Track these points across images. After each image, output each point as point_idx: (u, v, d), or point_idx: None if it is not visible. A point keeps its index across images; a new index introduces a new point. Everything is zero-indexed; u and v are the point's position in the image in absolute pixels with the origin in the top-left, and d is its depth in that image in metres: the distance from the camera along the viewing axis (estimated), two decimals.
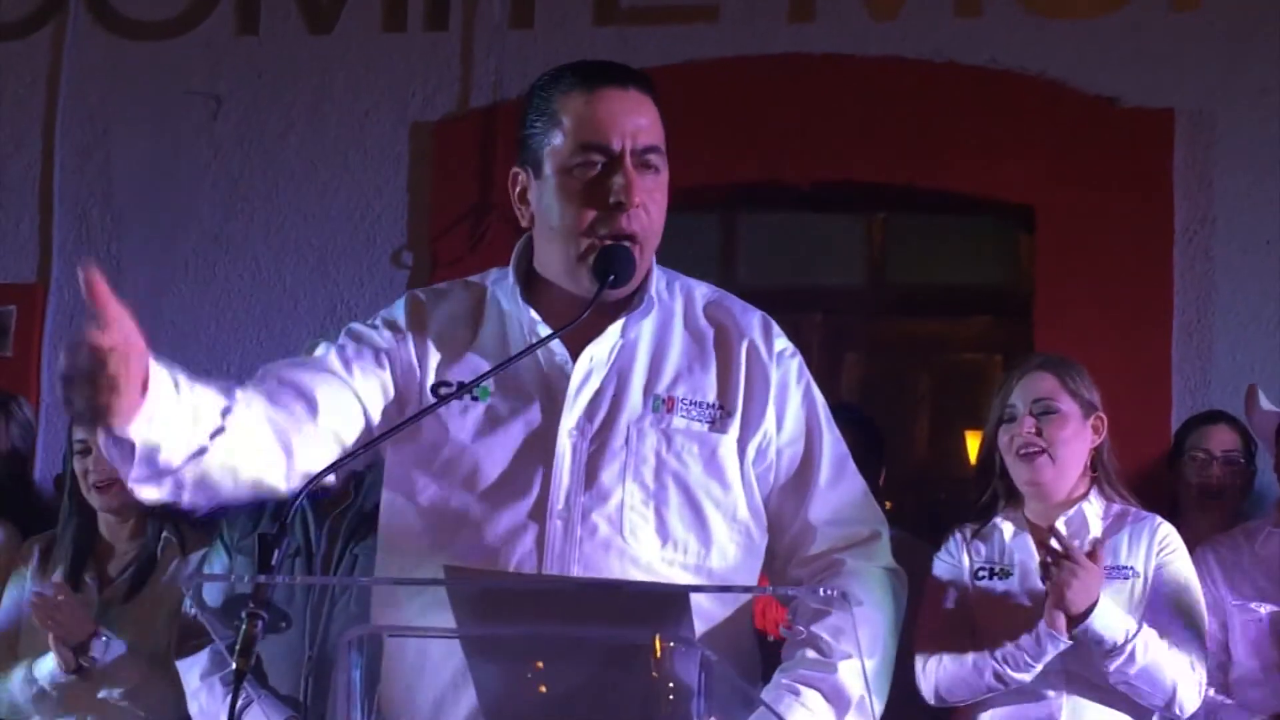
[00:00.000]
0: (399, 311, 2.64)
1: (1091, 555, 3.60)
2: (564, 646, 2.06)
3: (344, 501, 4.01)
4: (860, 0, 5.96)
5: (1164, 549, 3.83)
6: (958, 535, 3.97)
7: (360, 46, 6.28)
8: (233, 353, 6.18)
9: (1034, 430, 3.83)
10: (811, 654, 2.42)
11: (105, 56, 6.43)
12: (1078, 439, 3.87)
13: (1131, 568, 3.79)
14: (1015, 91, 5.81)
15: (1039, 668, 3.70)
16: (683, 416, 2.49)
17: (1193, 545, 4.00)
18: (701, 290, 2.66)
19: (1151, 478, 4.87)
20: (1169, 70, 5.75)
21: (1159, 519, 3.89)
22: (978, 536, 3.92)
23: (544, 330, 2.50)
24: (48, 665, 4.13)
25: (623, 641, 2.02)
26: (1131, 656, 3.63)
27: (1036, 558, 3.80)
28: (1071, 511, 3.86)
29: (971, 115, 5.80)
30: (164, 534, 4.31)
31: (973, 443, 5.94)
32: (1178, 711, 3.72)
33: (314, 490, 3.89)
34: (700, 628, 2.40)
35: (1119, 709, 3.75)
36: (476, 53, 6.20)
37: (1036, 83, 5.81)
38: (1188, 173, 5.69)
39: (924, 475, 6.06)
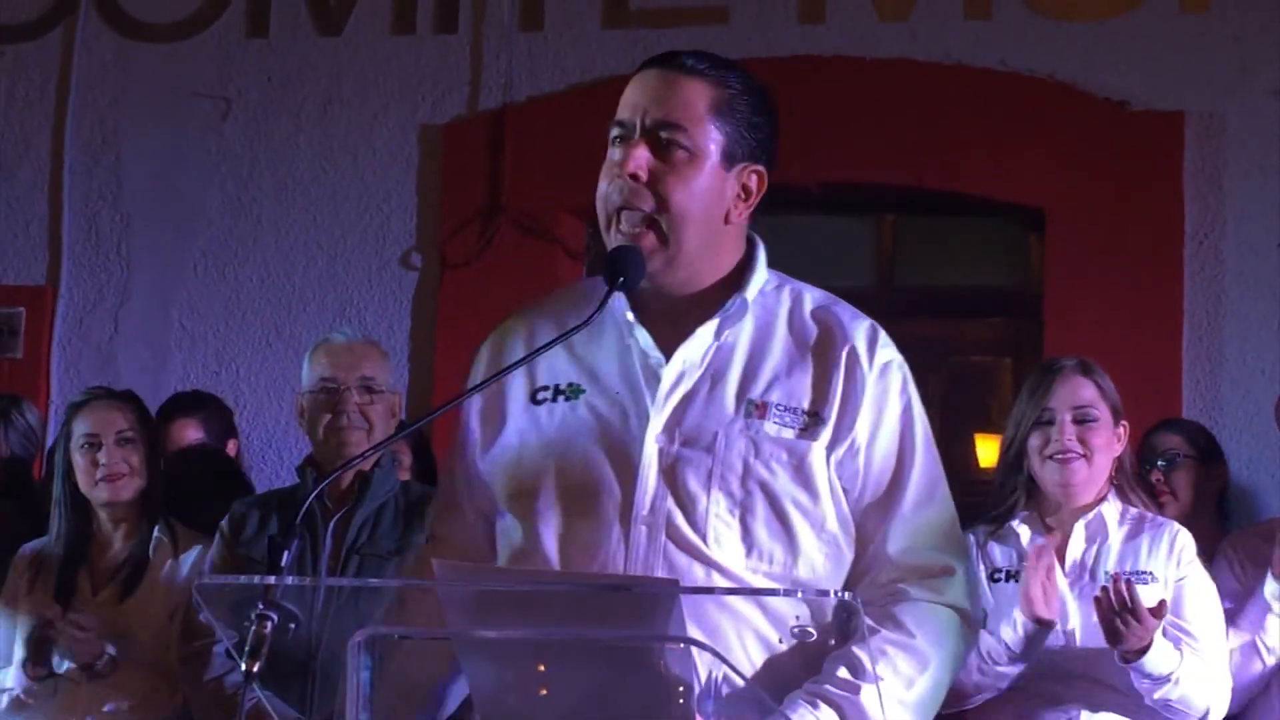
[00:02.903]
0: (481, 360, 2.62)
1: (1156, 612, 3.59)
2: (562, 646, 2.05)
3: (348, 502, 4.01)
4: (870, 2, 5.96)
5: (1183, 559, 3.83)
6: (971, 539, 3.96)
7: (369, 49, 6.28)
8: (242, 354, 6.18)
9: (1075, 436, 3.83)
10: (843, 671, 2.35)
11: (115, 59, 6.44)
12: (1109, 446, 3.88)
13: (1151, 573, 3.79)
14: (1025, 93, 5.81)
15: (1013, 671, 3.71)
16: (774, 422, 2.43)
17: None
18: (813, 294, 2.59)
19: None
20: (1179, 72, 5.75)
21: (1176, 525, 3.90)
22: (993, 539, 3.92)
23: (633, 318, 2.47)
24: (11, 673, 4.18)
25: (625, 643, 2.01)
26: (1175, 684, 3.65)
27: (1053, 559, 3.81)
28: (1091, 515, 3.87)
29: (981, 117, 5.80)
30: (156, 534, 4.31)
31: (982, 445, 5.93)
32: None
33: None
34: (783, 634, 2.39)
35: (1138, 716, 3.75)
36: (486, 55, 6.21)
37: (1046, 85, 5.81)
38: (1198, 175, 5.69)
39: None
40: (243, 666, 1.97)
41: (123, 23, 6.44)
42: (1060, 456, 3.83)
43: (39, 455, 5.27)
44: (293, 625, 2.00)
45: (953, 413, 6.12)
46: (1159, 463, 4.79)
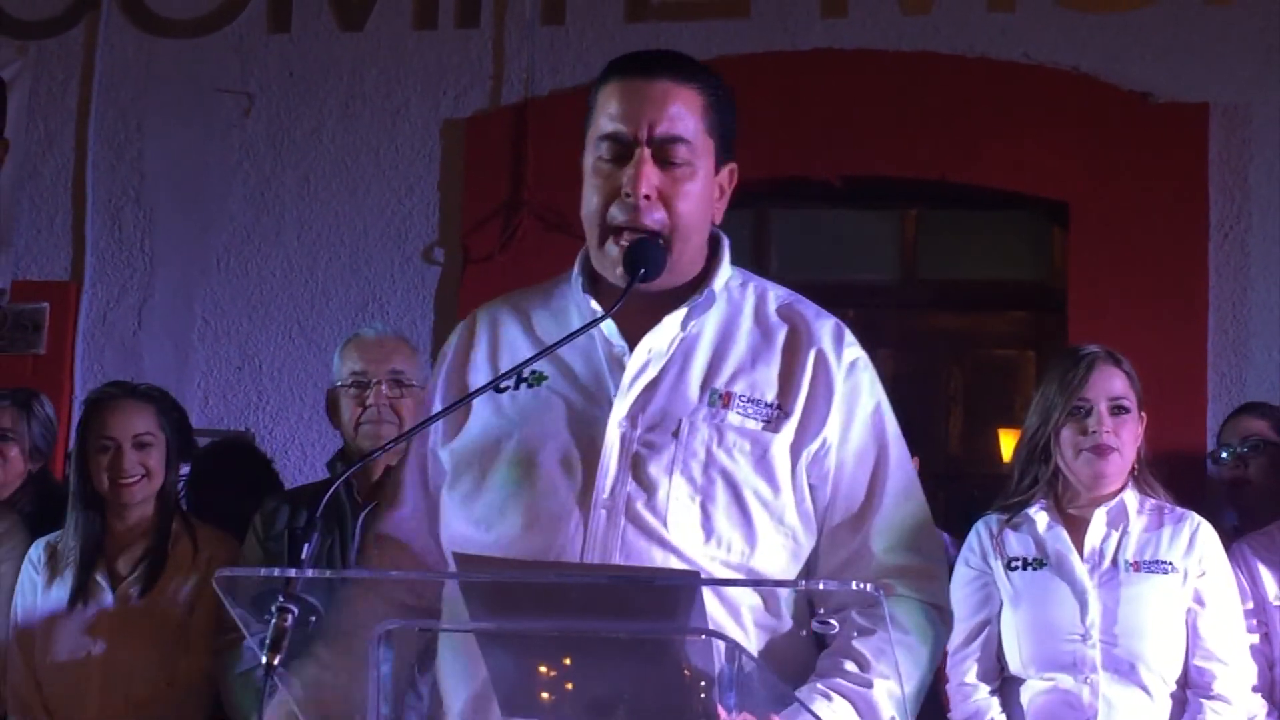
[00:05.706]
0: (450, 347, 2.69)
1: None
2: (582, 639, 2.04)
3: (378, 496, 4.00)
4: None
5: (1205, 554, 3.82)
6: (982, 530, 3.95)
7: (392, 44, 6.29)
8: (265, 349, 6.19)
9: (1112, 429, 3.82)
10: (850, 666, 2.37)
11: (137, 54, 6.46)
12: (1136, 437, 3.89)
13: (1170, 563, 3.79)
14: (1048, 86, 5.79)
15: None
16: (738, 413, 2.44)
17: (1228, 538, 3.99)
18: (776, 292, 2.61)
19: (1186, 472, 4.84)
20: (1203, 65, 5.72)
21: (1196, 516, 3.89)
22: (1009, 527, 3.91)
23: (597, 307, 2.50)
24: None
25: (650, 635, 2.00)
26: None
27: (1071, 548, 3.81)
28: (1113, 503, 3.87)
29: (1004, 110, 5.78)
30: (174, 529, 4.30)
31: (1005, 439, 5.91)
32: None
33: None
34: (751, 625, 2.41)
35: (1152, 695, 3.75)
36: (508, 49, 6.21)
37: (1070, 78, 5.79)
38: (1223, 167, 5.66)
39: (956, 471, 6.04)
40: (263, 659, 1.97)
41: (145, 18, 6.46)
42: (1098, 449, 3.81)
43: (57, 448, 5.28)
44: (313, 618, 2.00)
45: (975, 406, 6.12)
46: (1242, 448, 4.74)
